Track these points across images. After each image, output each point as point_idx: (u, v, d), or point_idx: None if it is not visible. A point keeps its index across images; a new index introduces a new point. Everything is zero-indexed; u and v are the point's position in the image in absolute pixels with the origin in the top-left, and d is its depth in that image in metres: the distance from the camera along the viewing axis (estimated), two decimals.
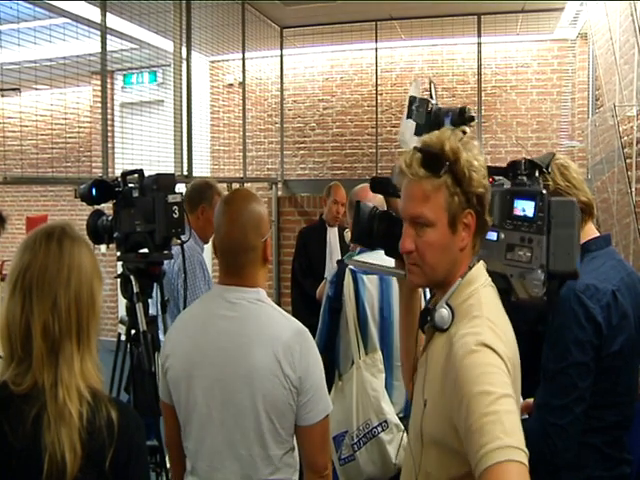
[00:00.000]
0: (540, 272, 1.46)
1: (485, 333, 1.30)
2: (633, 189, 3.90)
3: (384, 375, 2.66)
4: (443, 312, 1.40)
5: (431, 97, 1.99)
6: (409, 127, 2.02)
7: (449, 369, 1.31)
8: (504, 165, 1.95)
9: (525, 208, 1.51)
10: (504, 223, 1.53)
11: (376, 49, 7.06)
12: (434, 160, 1.37)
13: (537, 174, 1.55)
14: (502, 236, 1.53)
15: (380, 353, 2.67)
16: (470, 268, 1.45)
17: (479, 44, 6.68)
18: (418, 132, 1.97)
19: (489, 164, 1.76)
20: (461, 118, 1.91)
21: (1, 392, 1.34)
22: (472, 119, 1.94)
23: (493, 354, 1.27)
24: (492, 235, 1.54)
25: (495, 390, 1.20)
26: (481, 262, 1.48)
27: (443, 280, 1.45)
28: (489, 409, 1.18)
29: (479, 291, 1.41)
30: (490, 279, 1.46)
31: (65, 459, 1.27)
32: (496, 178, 1.76)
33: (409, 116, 2.02)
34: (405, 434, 2.61)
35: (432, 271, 1.43)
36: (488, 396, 1.19)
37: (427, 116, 1.97)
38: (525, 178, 1.56)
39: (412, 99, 1.99)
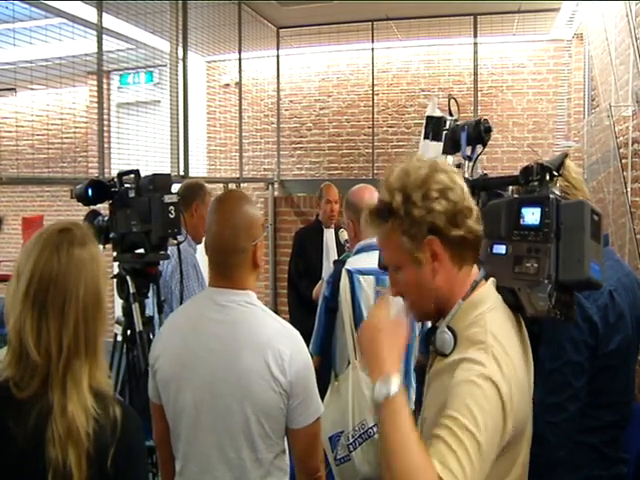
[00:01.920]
0: (547, 283, 1.35)
1: (490, 366, 1.27)
2: (629, 189, 3.90)
3: None
4: (445, 337, 1.37)
5: (450, 114, 1.97)
6: (429, 148, 2.01)
7: (445, 396, 1.29)
8: (501, 164, 1.95)
9: (532, 216, 1.41)
10: (512, 235, 1.44)
11: (372, 49, 7.07)
12: (377, 209, 1.41)
13: (548, 178, 1.46)
14: (510, 249, 1.44)
15: None
16: (473, 288, 1.41)
17: (475, 44, 6.69)
18: (445, 151, 1.98)
19: (500, 174, 1.73)
20: (476, 131, 1.90)
21: (1, 392, 1.34)
22: (489, 130, 1.91)
23: (494, 391, 1.24)
24: (500, 248, 1.46)
25: (472, 429, 1.19)
26: (490, 281, 1.44)
27: (439, 309, 1.42)
28: (453, 435, 1.19)
29: (485, 316, 1.36)
30: (500, 299, 1.42)
31: (72, 474, 1.28)
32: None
33: (426, 136, 2.01)
34: None
35: (419, 308, 1.44)
36: (462, 429, 1.19)
37: (446, 134, 1.96)
38: (537, 184, 1.48)
39: (428, 119, 1.97)
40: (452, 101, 2.02)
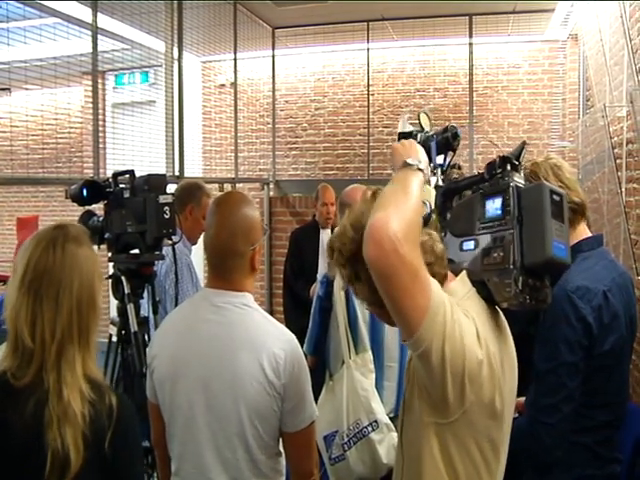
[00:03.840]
0: (512, 269, 1.35)
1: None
2: (623, 189, 3.91)
3: (374, 375, 2.66)
4: None
5: (421, 127, 1.99)
6: None
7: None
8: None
9: (494, 207, 1.44)
10: (478, 228, 1.46)
11: (368, 49, 7.06)
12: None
13: (509, 168, 1.47)
14: (478, 242, 1.46)
15: (370, 353, 2.67)
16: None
17: (470, 44, 6.69)
18: None
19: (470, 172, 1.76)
20: (444, 138, 1.91)
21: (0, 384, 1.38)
22: (456, 136, 1.93)
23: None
24: (469, 244, 1.48)
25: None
26: (462, 273, 1.46)
27: None
28: None
29: (460, 306, 1.37)
30: (475, 291, 1.44)
31: (69, 456, 1.32)
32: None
33: None
34: (395, 434, 2.62)
35: None
36: None
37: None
38: (500, 176, 1.49)
39: (399, 136, 1.99)
40: (423, 115, 2.04)
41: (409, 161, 1.43)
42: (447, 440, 1.35)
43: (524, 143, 1.56)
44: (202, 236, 3.56)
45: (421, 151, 1.56)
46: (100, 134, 4.50)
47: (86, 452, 1.34)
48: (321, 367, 2.74)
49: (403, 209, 1.24)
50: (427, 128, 1.97)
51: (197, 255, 3.72)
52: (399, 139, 1.99)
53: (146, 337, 2.71)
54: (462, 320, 1.29)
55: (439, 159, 1.89)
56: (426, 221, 1.41)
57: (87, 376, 1.42)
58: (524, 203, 1.40)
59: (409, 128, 1.99)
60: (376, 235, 1.18)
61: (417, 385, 1.39)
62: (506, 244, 1.38)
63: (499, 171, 1.48)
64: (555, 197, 1.39)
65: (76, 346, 1.42)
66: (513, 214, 1.39)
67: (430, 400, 1.33)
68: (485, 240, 1.44)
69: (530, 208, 1.38)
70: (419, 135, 1.95)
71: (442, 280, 1.42)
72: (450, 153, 1.95)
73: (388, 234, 1.17)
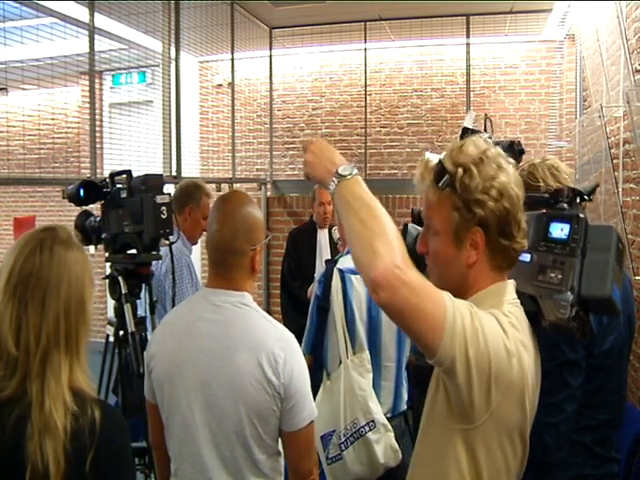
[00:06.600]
0: (569, 294, 1.40)
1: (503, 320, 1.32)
2: (620, 189, 3.92)
3: (372, 375, 2.66)
4: None
5: (485, 130, 2.03)
6: None
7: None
8: None
9: (560, 231, 1.49)
10: (538, 245, 1.51)
11: (365, 49, 7.07)
12: (439, 172, 1.40)
13: (578, 200, 1.55)
14: (535, 258, 1.50)
15: (368, 353, 2.67)
16: None
17: (468, 45, 6.70)
18: None
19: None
20: (510, 151, 1.96)
21: None
22: (522, 152, 1.98)
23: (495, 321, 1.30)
24: (525, 257, 1.51)
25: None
26: (510, 281, 1.46)
27: (454, 291, 1.41)
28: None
29: (504, 304, 1.38)
30: (518, 300, 1.44)
31: (49, 471, 1.27)
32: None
33: None
34: (392, 434, 2.62)
35: (439, 280, 1.40)
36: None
37: None
38: (566, 205, 1.56)
39: (465, 130, 2.04)
40: (489, 121, 2.09)
41: (341, 171, 1.34)
42: (474, 445, 1.34)
43: (597, 185, 1.66)
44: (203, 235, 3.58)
45: (334, 150, 1.42)
46: (97, 134, 4.49)
47: (67, 467, 1.28)
48: (318, 367, 2.74)
49: (384, 237, 1.22)
50: (490, 132, 2.02)
51: (196, 255, 3.72)
52: (463, 132, 2.04)
53: (143, 337, 2.71)
54: (484, 322, 1.28)
55: None
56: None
57: (73, 386, 1.36)
58: (590, 238, 1.45)
59: (473, 126, 2.05)
60: (385, 282, 1.18)
61: (443, 391, 1.38)
62: (566, 268, 1.44)
63: (566, 200, 1.55)
64: (619, 245, 1.46)
65: (62, 353, 1.36)
66: (579, 243, 1.45)
67: (457, 406, 1.32)
68: (544, 258, 1.49)
69: (597, 245, 1.44)
70: (481, 136, 2.01)
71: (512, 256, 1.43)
72: None
73: (393, 272, 1.18)
